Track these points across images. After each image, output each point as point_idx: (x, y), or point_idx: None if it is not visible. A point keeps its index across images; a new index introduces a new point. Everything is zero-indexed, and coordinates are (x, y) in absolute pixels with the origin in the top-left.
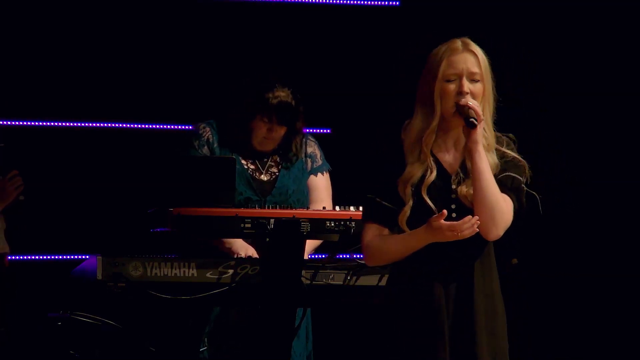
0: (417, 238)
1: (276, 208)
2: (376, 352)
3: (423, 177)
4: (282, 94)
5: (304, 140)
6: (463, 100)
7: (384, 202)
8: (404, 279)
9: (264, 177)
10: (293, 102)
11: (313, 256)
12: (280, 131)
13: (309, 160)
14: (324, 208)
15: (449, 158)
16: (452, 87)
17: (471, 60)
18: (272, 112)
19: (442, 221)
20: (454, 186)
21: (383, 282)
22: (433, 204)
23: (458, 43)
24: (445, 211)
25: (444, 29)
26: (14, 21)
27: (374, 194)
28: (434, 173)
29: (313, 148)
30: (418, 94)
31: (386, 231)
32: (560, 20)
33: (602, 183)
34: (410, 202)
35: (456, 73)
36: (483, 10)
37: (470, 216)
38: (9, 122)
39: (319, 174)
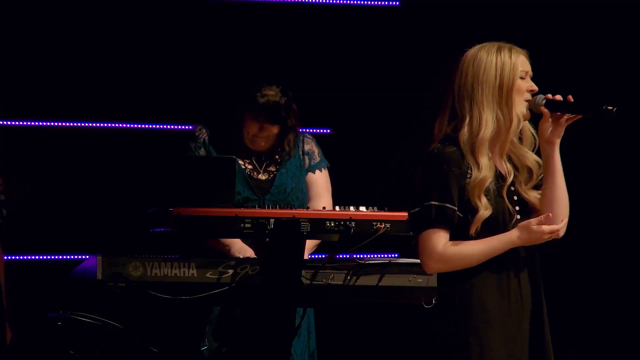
0: (506, 242)
1: (276, 207)
2: (425, 352)
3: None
4: (271, 93)
5: (301, 138)
6: (558, 95)
7: (447, 205)
8: (472, 275)
9: (262, 177)
10: (282, 100)
11: (313, 256)
12: (272, 129)
13: (306, 157)
14: (324, 208)
15: (496, 160)
16: (524, 85)
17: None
18: (260, 111)
19: (543, 225)
20: (512, 188)
21: (383, 282)
22: (500, 207)
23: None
24: (550, 215)
25: (444, 29)
26: (15, 21)
27: (436, 198)
28: (511, 176)
29: (310, 145)
30: (480, 94)
31: (448, 234)
32: (560, 20)
33: (603, 184)
34: (490, 207)
35: (526, 71)
36: (483, 10)
37: (564, 219)
38: (9, 122)
39: (317, 171)
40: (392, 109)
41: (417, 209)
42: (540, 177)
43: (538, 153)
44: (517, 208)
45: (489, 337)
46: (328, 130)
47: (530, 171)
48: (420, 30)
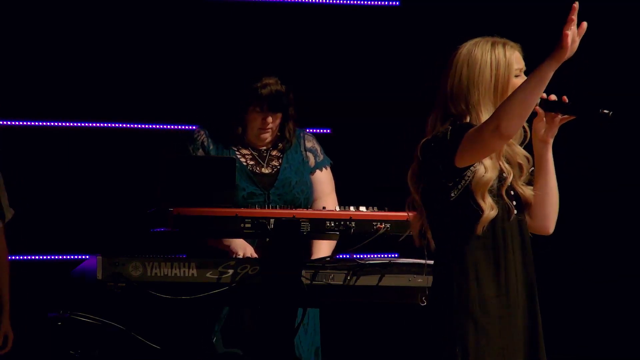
0: (547, 66)
1: (279, 206)
2: (422, 349)
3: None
4: (271, 82)
5: (302, 135)
6: (552, 95)
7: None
8: (470, 265)
9: (265, 171)
10: (283, 88)
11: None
12: (276, 120)
13: (310, 155)
14: (324, 208)
15: (495, 158)
16: (518, 83)
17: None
18: (264, 101)
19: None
20: (508, 184)
21: (383, 282)
22: (500, 204)
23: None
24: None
25: (444, 29)
26: (14, 21)
27: (457, 126)
28: (511, 176)
29: (312, 143)
30: (477, 96)
31: None
32: (560, 20)
33: (604, 185)
34: (495, 207)
35: (520, 68)
36: (483, 10)
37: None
38: (9, 122)
39: (323, 169)
40: (392, 109)
41: (449, 136)
42: (531, 172)
43: (526, 147)
44: (514, 203)
45: (487, 325)
46: (328, 130)
47: (520, 166)
48: (420, 31)
